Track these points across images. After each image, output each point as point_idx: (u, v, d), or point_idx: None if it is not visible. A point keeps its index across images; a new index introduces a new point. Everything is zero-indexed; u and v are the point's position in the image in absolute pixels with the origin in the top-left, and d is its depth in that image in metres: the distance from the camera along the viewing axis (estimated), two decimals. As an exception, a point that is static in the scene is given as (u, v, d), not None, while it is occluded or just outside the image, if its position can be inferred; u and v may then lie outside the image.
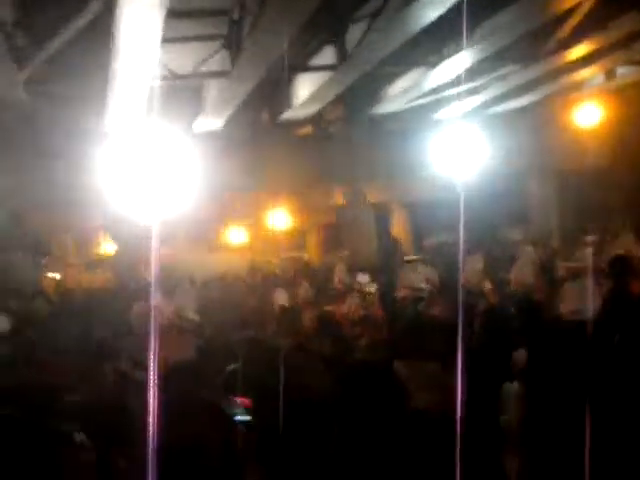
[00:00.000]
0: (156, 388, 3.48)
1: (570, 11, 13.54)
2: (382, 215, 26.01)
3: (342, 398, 4.44)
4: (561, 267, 10.54)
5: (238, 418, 4.57)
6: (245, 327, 9.32)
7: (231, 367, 4.38)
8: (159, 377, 3.60)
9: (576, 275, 9.29)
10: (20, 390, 4.67)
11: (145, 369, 5.65)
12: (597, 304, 5.16)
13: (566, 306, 5.15)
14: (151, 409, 3.29)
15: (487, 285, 9.32)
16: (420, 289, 8.31)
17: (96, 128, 16.53)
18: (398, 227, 27.68)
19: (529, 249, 11.26)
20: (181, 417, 3.94)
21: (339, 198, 25.61)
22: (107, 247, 25.61)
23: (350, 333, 6.40)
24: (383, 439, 3.04)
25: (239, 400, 4.82)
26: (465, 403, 3.56)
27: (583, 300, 5.04)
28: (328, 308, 8.55)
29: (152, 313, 7.91)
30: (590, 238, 15.05)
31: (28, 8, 12.19)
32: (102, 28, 11.68)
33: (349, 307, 8.12)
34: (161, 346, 5.83)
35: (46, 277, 23.24)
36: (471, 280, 8.75)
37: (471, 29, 13.68)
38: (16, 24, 12.33)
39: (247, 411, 4.50)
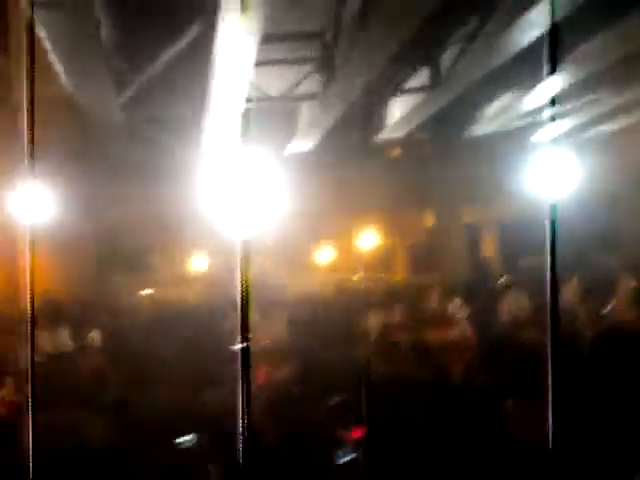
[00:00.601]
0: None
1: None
2: (474, 236, 25.77)
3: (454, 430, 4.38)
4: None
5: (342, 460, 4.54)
6: (335, 348, 9.32)
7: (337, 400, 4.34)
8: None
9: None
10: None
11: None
12: None
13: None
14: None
15: (584, 313, 9.11)
16: (519, 315, 8.16)
17: (192, 148, 16.81)
18: (490, 249, 27.40)
19: (629, 278, 10.95)
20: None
21: (430, 219, 25.49)
22: (198, 263, 25.92)
23: (448, 360, 6.31)
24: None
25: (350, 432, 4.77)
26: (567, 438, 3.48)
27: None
28: (427, 334, 8.44)
29: (242, 333, 7.96)
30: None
31: (128, 31, 12.49)
32: (200, 52, 11.90)
33: (448, 333, 8.02)
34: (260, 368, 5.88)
35: (141, 293, 23.66)
36: (567, 307, 8.56)
37: (567, 51, 13.51)
38: (116, 47, 12.65)
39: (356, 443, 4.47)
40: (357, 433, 4.86)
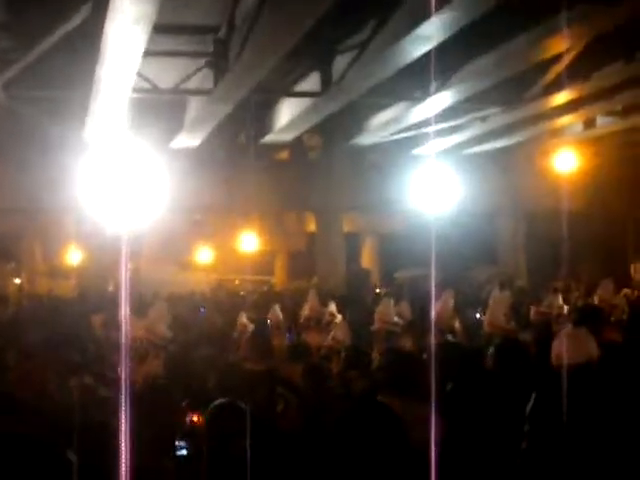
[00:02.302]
0: (124, 404, 3.39)
1: (554, 59, 13.66)
2: (354, 245, 26.05)
3: (321, 428, 4.36)
4: (533, 312, 10.57)
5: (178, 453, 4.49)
6: (209, 346, 9.22)
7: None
8: (126, 394, 3.51)
9: (547, 321, 9.32)
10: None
11: (110, 384, 5.55)
12: (581, 350, 5.16)
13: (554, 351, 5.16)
14: (119, 426, 3.20)
15: (457, 324, 9.31)
16: (395, 323, 8.25)
17: (76, 135, 16.40)
18: (369, 258, 27.75)
19: (502, 291, 11.29)
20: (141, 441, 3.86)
21: (311, 225, 25.62)
22: (75, 256, 25.40)
23: (321, 362, 6.32)
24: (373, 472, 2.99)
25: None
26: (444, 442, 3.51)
27: (563, 346, 5.04)
28: (299, 335, 8.47)
29: (121, 327, 7.82)
30: (560, 284, 15.15)
31: (13, 11, 12.09)
32: (87, 36, 11.59)
33: (320, 336, 8.05)
34: (130, 362, 5.74)
35: (11, 282, 23.04)
36: (441, 318, 8.73)
37: (455, 68, 13.78)
38: (3, 27, 12.24)
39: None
40: (196, 419, 4.80)
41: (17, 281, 24.23)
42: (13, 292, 22.74)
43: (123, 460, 2.83)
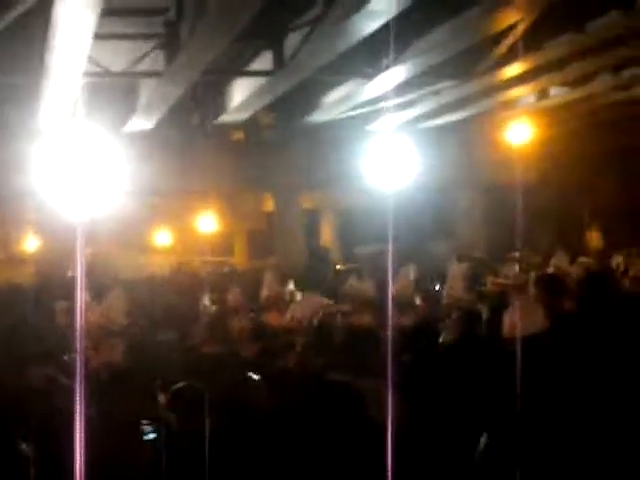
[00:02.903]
0: (84, 393, 3.39)
1: (506, 31, 13.71)
2: (312, 223, 26.07)
3: (286, 408, 4.39)
4: (490, 282, 10.67)
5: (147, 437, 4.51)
6: (170, 330, 9.21)
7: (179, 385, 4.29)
8: (87, 382, 3.51)
9: (504, 291, 9.41)
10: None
11: (72, 373, 5.53)
12: (531, 321, 5.23)
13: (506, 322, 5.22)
14: (79, 416, 3.20)
15: (417, 298, 9.37)
16: (352, 300, 8.28)
17: (30, 121, 16.23)
18: (329, 235, 27.79)
19: (460, 263, 11.38)
20: (107, 428, 3.87)
21: (269, 204, 25.59)
22: (32, 243, 25.16)
23: (281, 342, 6.34)
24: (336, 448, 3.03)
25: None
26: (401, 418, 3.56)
27: (518, 316, 5.11)
28: (259, 316, 8.47)
29: (79, 313, 7.75)
30: (516, 254, 15.30)
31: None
32: (37, 21, 11.46)
33: (280, 316, 8.06)
34: (89, 348, 5.73)
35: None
36: (402, 292, 8.78)
37: (408, 43, 13.79)
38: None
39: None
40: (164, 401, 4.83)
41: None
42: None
43: (78, 448, 2.84)
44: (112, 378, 4.93)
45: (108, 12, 10.75)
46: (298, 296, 9.11)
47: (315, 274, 17.80)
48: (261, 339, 6.13)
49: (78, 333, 6.39)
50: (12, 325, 8.93)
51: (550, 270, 10.87)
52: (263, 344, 5.99)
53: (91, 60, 12.96)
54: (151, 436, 4.68)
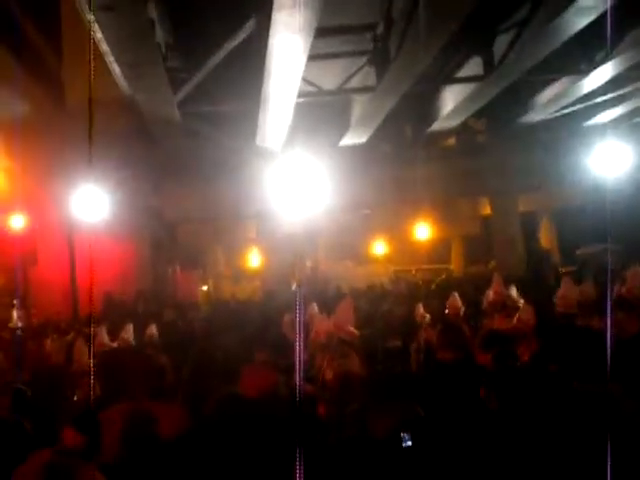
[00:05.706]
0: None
1: None
2: (531, 225, 25.56)
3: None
4: None
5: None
6: (395, 338, 9.39)
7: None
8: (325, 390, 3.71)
9: None
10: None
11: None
12: None
13: None
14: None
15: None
16: (576, 304, 8.10)
17: (248, 145, 16.97)
18: (548, 237, 27.14)
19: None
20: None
21: (484, 209, 25.39)
22: (254, 260, 26.22)
23: (513, 348, 6.31)
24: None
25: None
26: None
27: None
28: (492, 323, 8.44)
29: (308, 325, 8.10)
30: None
31: (180, 32, 12.68)
32: (253, 50, 12.04)
33: (507, 320, 8.03)
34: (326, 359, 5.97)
35: (199, 289, 24.00)
36: (632, 293, 8.44)
37: (619, 37, 13.37)
38: (171, 47, 12.84)
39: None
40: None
41: (204, 288, 25.22)
42: (202, 298, 23.64)
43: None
44: (349, 387, 5.10)
45: (319, 32, 11.13)
46: (521, 301, 9.02)
47: (536, 277, 17.51)
48: (495, 344, 6.12)
49: (312, 345, 6.68)
50: (246, 339, 9.35)
51: None
52: (498, 349, 5.98)
53: (305, 80, 13.44)
54: (409, 443, 4.73)
